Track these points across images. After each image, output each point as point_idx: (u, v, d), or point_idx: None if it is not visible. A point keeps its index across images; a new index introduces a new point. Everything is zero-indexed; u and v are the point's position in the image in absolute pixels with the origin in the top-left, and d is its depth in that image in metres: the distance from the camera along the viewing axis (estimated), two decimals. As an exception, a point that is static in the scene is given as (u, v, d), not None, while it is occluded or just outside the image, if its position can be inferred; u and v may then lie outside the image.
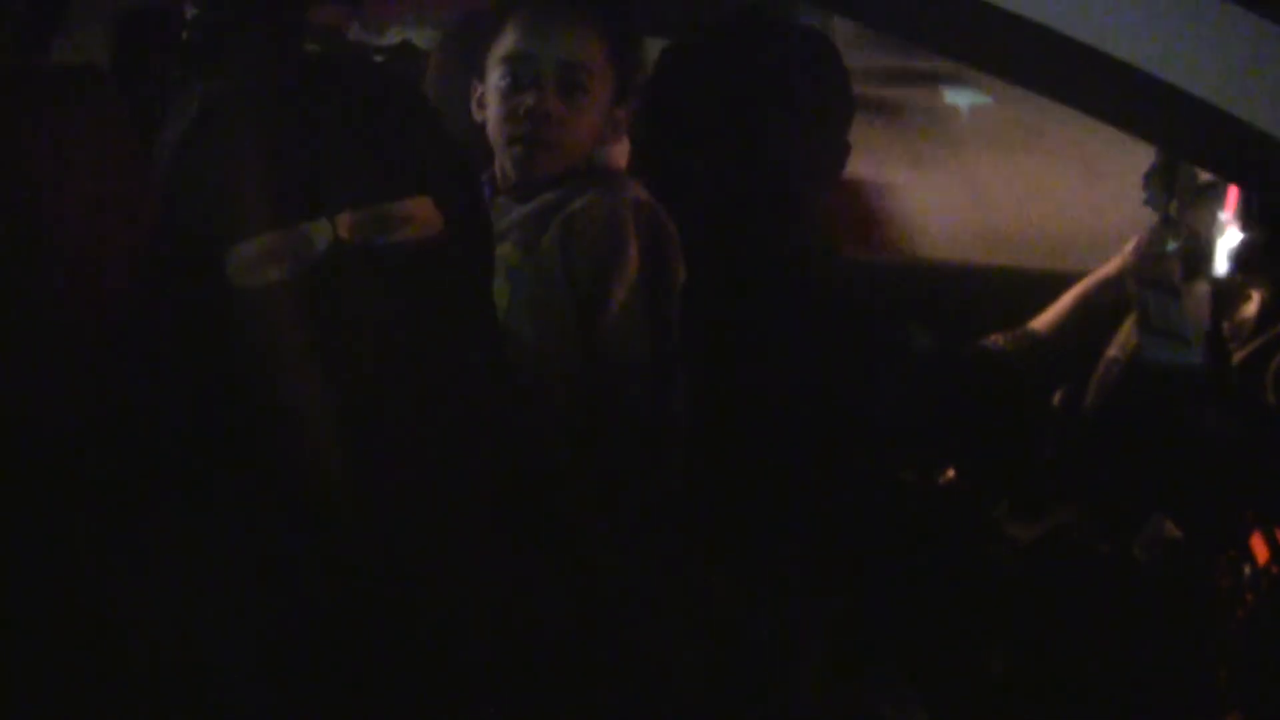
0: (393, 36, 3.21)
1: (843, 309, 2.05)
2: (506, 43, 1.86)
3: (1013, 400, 2.31)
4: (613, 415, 1.76)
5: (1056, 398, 2.33)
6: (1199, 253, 2.15)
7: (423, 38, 3.10)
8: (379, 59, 2.76)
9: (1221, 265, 2.16)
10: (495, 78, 1.86)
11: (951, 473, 2.25)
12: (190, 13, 2.37)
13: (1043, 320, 2.39)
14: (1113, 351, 2.26)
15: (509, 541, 1.22)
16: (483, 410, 1.21)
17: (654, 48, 2.09)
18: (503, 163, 1.88)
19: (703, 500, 1.81)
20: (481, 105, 1.89)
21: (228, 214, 1.14)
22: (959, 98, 6.62)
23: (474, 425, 1.20)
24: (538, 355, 1.74)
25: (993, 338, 2.33)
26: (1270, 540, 1.80)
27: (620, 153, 2.13)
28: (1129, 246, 2.29)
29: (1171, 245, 2.06)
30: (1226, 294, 2.22)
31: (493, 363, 1.25)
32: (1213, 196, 2.14)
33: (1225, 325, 2.22)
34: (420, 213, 1.16)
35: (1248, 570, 1.81)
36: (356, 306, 1.12)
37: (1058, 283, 2.42)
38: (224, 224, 1.14)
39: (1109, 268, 2.34)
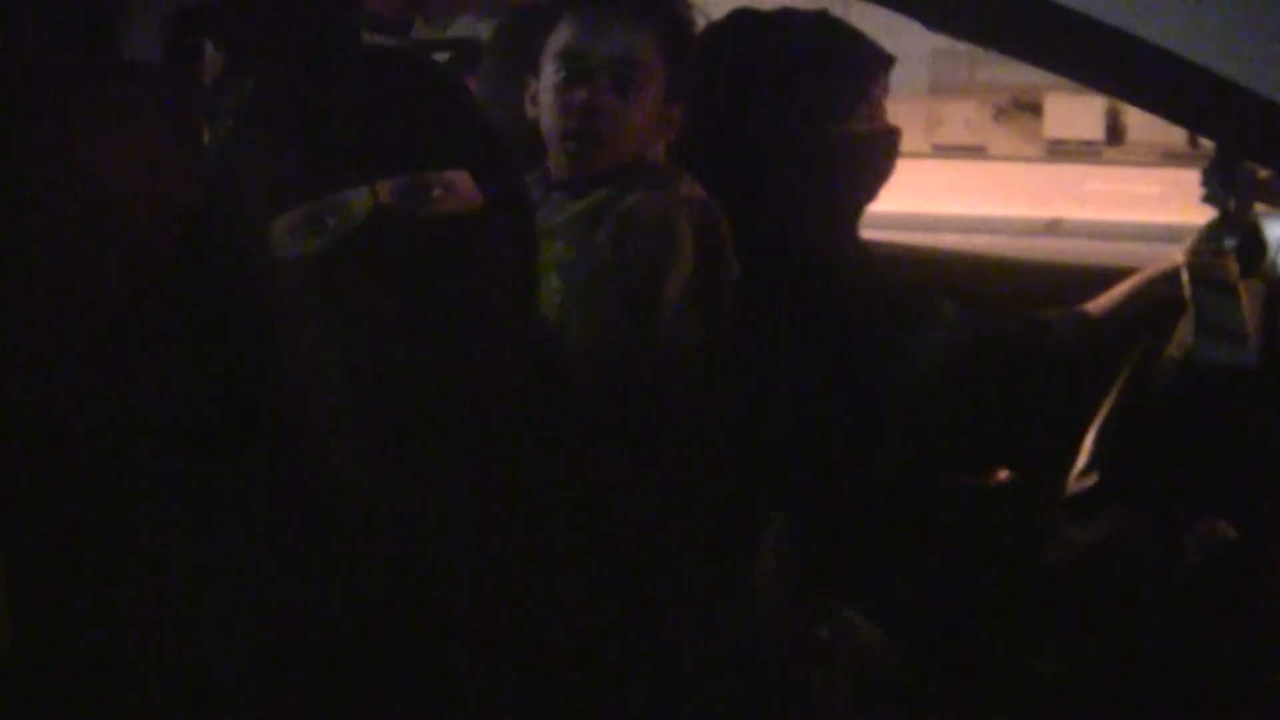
0: (457, 31, 3.22)
1: (894, 298, 2.05)
2: (562, 38, 1.86)
3: (1064, 376, 2.29)
4: (662, 412, 1.76)
5: (1113, 395, 2.31)
6: (1256, 251, 2.12)
7: (487, 33, 3.11)
8: (442, 54, 2.77)
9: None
10: (550, 73, 1.86)
11: (1004, 473, 2.24)
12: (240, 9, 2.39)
13: (1095, 305, 2.37)
14: (1170, 349, 2.24)
15: (538, 528, 1.22)
16: (510, 388, 1.21)
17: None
18: (556, 158, 1.88)
19: (751, 498, 1.81)
20: (535, 102, 1.90)
21: (271, 186, 1.16)
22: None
23: (501, 403, 1.20)
24: (589, 351, 1.74)
25: (1041, 313, 2.32)
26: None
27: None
28: (1185, 243, 2.27)
29: (1229, 242, 2.04)
30: (1284, 293, 2.20)
31: (523, 344, 1.25)
32: (1271, 193, 2.11)
33: (1282, 324, 2.19)
34: (460, 184, 1.17)
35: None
36: (395, 275, 1.13)
37: (1109, 277, 2.40)
38: (268, 196, 1.16)
39: (1165, 263, 2.32)
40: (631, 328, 1.75)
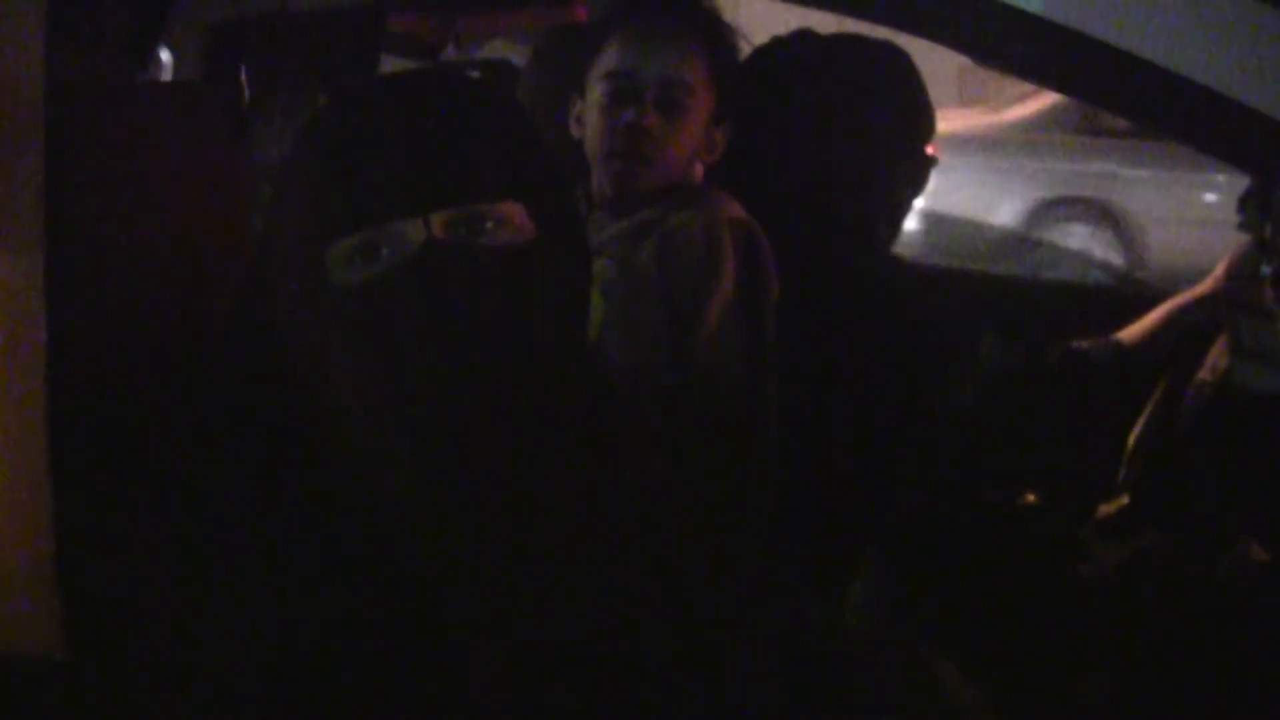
0: (486, 53, 3.24)
1: (931, 320, 2.05)
2: (610, 59, 1.87)
3: (1098, 406, 2.30)
4: (706, 431, 1.77)
5: (1144, 418, 2.32)
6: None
7: (519, 55, 3.13)
8: (474, 74, 2.79)
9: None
10: (597, 93, 1.87)
11: (1031, 496, 2.25)
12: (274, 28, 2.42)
13: (1129, 333, 2.38)
14: (1203, 374, 2.24)
15: (594, 550, 1.22)
16: (568, 417, 1.22)
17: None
18: (600, 178, 1.89)
19: (793, 516, 1.82)
20: (580, 122, 1.91)
21: (328, 211, 1.16)
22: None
23: (558, 431, 1.21)
24: (631, 371, 1.75)
25: (1078, 343, 2.33)
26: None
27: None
28: (1219, 268, 2.28)
29: (1265, 269, 2.05)
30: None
31: (580, 371, 1.25)
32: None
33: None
34: (513, 217, 1.18)
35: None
36: (447, 306, 1.14)
37: (1143, 301, 2.41)
38: (325, 221, 1.16)
39: (1201, 288, 2.33)
40: (673, 347, 1.76)
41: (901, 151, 2.05)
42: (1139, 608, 2.03)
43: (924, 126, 2.08)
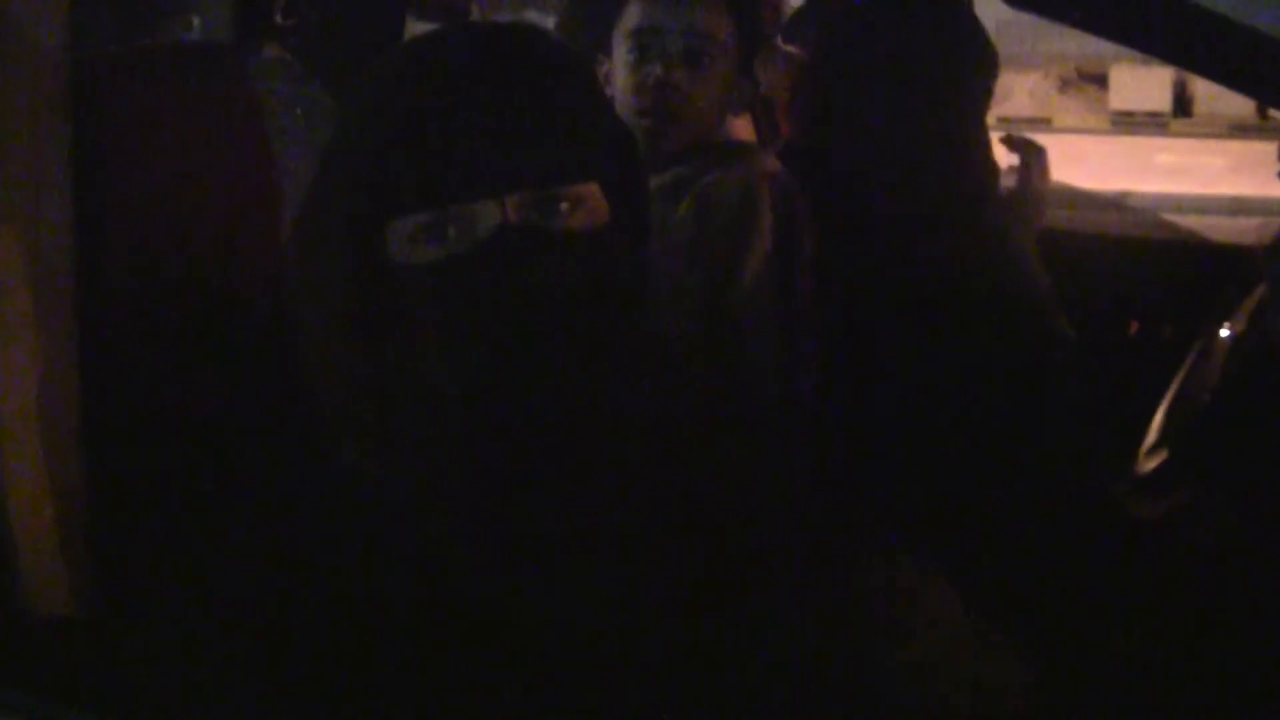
0: (511, 15, 3.23)
1: (980, 283, 2.03)
2: (633, 17, 1.87)
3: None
4: (742, 392, 1.76)
5: (1183, 371, 2.30)
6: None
7: (543, 17, 3.12)
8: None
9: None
10: (622, 52, 1.87)
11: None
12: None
13: None
14: (1239, 327, 2.22)
15: (654, 529, 1.19)
16: (633, 403, 1.18)
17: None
18: (631, 137, 1.89)
19: (832, 478, 1.81)
20: (608, 81, 1.90)
21: (390, 187, 1.10)
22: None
23: (625, 417, 1.17)
24: (667, 330, 1.75)
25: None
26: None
27: (743, 126, 2.13)
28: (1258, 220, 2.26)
29: None
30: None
31: (646, 356, 1.21)
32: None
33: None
34: (588, 197, 1.12)
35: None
36: (518, 291, 1.08)
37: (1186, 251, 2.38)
38: (385, 197, 1.11)
39: (1241, 239, 2.31)
40: (710, 303, 1.76)
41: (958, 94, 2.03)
42: (1178, 563, 2.02)
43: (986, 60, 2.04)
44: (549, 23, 2.76)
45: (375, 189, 1.11)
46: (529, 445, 1.11)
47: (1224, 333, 2.28)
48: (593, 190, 1.12)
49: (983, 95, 2.03)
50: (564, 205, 1.10)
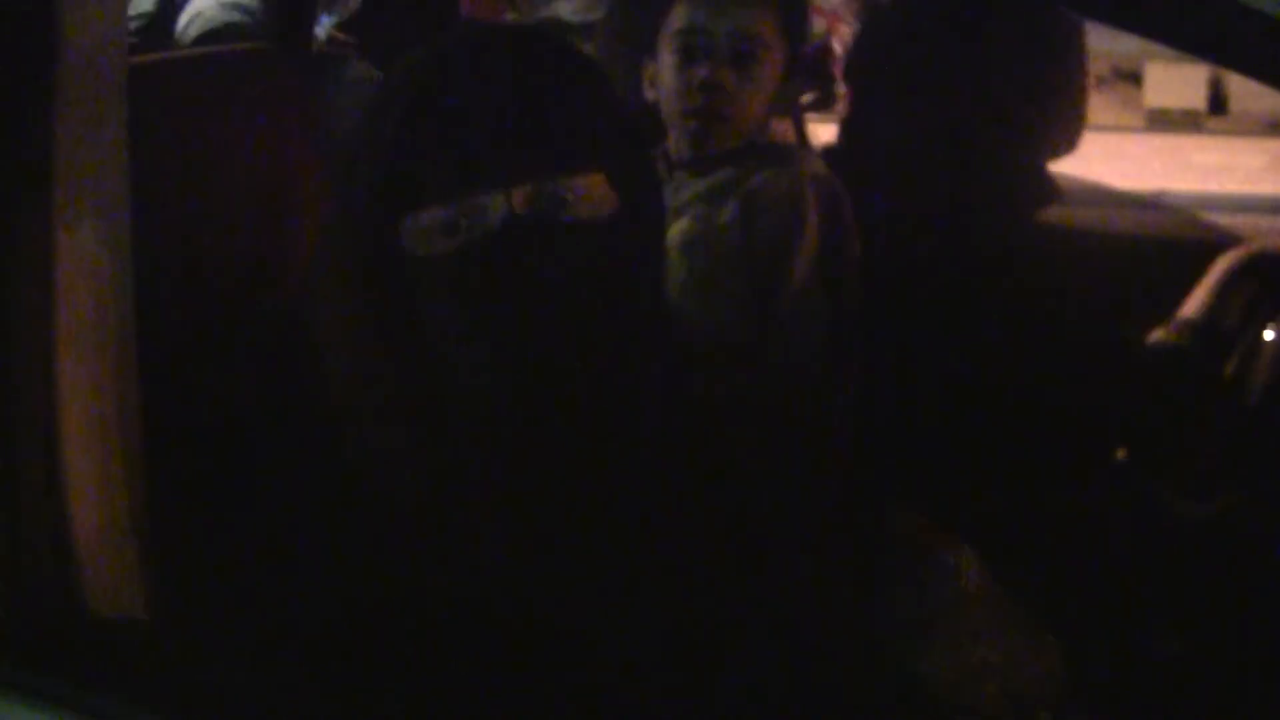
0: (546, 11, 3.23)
1: (1026, 285, 2.02)
2: (680, 17, 1.87)
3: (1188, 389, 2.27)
4: (786, 394, 1.76)
5: (1225, 375, 2.29)
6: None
7: (573, 13, 3.12)
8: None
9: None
10: (668, 53, 1.87)
11: (1122, 452, 2.23)
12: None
13: (1193, 305, 2.33)
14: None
15: (675, 522, 1.21)
16: (648, 391, 1.21)
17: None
18: (678, 138, 1.89)
19: (874, 479, 1.81)
20: (654, 84, 1.91)
21: (407, 180, 1.14)
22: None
23: (639, 406, 1.20)
24: (712, 332, 1.75)
25: (1157, 335, 2.28)
26: None
27: (787, 129, 2.13)
28: None
29: None
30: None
31: (660, 347, 1.24)
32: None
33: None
34: (596, 190, 1.15)
35: None
36: (527, 282, 1.12)
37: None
38: (403, 193, 1.14)
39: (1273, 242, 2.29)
40: (758, 308, 1.76)
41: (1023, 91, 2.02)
42: (1220, 565, 2.01)
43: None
44: (589, 18, 2.77)
45: (389, 184, 1.15)
46: (546, 434, 1.14)
47: (1268, 335, 2.27)
48: (599, 180, 1.16)
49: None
50: (569, 196, 1.14)
